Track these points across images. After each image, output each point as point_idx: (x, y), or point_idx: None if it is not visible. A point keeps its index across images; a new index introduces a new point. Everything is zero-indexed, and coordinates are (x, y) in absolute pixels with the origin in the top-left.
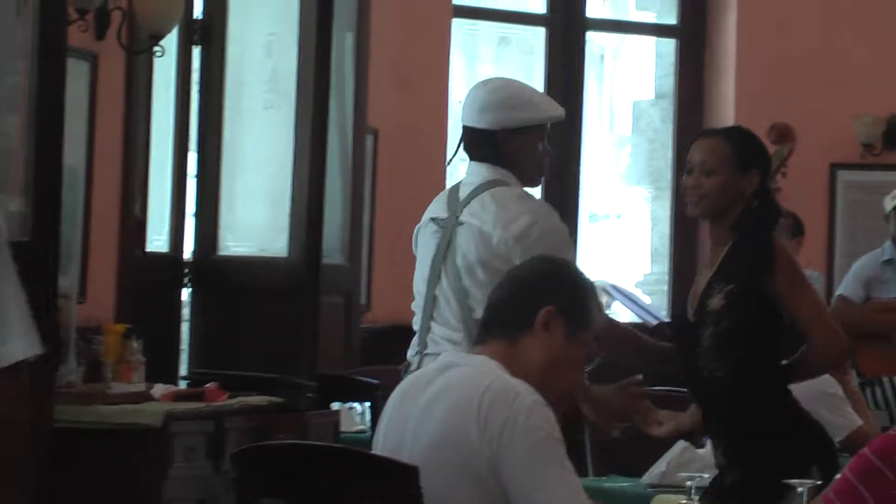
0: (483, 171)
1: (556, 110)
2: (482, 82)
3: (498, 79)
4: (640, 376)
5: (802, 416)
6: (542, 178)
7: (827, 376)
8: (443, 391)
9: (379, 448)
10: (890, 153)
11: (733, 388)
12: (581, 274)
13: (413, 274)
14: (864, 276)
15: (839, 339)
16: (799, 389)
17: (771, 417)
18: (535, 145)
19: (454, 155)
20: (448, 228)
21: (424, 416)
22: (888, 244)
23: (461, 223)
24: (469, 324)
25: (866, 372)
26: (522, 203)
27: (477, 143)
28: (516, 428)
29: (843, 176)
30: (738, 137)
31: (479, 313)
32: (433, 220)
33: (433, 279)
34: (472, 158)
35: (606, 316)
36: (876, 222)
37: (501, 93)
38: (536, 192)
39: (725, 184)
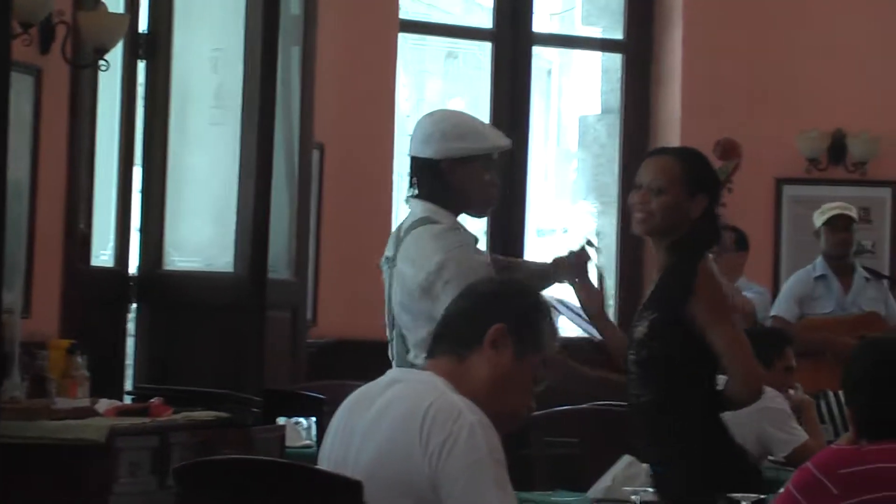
0: (416, 209)
1: (502, 140)
2: (428, 114)
3: (443, 110)
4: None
5: (724, 444)
6: (490, 209)
7: (770, 391)
8: (388, 407)
9: (324, 461)
10: (835, 168)
11: (657, 415)
12: (538, 296)
13: (360, 287)
14: (798, 294)
15: (755, 377)
16: None
17: (692, 444)
18: (482, 175)
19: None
20: (390, 269)
21: (369, 431)
22: (819, 260)
23: (395, 265)
24: (404, 364)
25: (806, 387)
26: (437, 242)
27: (423, 173)
28: (456, 446)
29: (788, 191)
30: (691, 159)
31: (413, 356)
32: (386, 258)
33: (389, 322)
34: (415, 192)
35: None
36: None
37: (445, 123)
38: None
39: (673, 204)
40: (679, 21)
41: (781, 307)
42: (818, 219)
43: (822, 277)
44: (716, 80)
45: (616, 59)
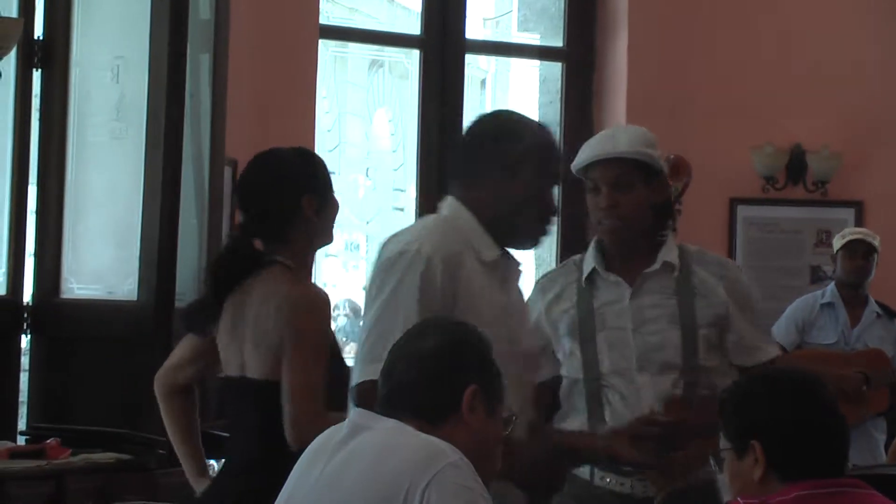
0: None
1: None
2: None
3: None
4: None
5: None
6: None
7: None
8: (354, 457)
9: None
10: (794, 187)
11: None
12: (484, 336)
13: None
14: (798, 319)
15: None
16: None
17: None
18: None
19: None
20: None
21: (334, 483)
22: (831, 287)
23: None
24: None
25: None
26: None
27: None
28: (445, 487)
29: (743, 211)
30: None
31: None
32: None
33: None
34: None
35: None
36: (779, 262)
37: None
38: None
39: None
40: (624, 26)
41: (779, 331)
42: (837, 242)
43: (829, 305)
44: (664, 90)
45: (555, 69)
